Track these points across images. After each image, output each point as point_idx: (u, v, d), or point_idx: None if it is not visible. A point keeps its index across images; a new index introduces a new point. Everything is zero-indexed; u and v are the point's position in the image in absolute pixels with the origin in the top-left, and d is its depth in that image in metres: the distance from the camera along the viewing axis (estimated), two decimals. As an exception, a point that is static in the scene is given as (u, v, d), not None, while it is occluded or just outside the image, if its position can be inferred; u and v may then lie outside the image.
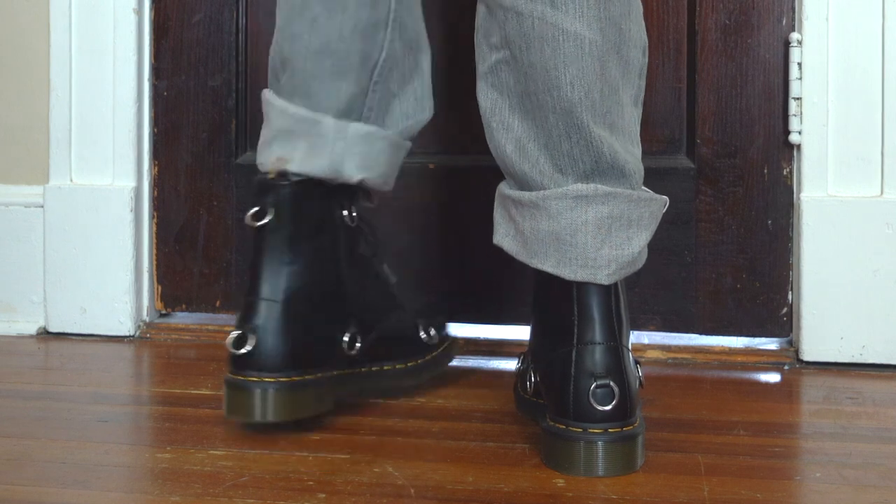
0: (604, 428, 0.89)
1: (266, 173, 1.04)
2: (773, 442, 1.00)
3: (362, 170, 1.06)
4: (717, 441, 1.00)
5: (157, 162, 1.50)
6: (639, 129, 0.98)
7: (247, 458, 0.94)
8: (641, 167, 0.97)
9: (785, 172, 1.35)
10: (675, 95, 1.39)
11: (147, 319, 1.49)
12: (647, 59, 0.98)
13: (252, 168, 1.48)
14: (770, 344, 1.37)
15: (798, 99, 1.33)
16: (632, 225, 0.94)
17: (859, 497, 0.85)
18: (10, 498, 0.84)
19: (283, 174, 1.04)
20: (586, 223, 0.93)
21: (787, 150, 1.36)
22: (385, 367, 1.13)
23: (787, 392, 1.21)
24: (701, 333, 1.38)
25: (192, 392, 1.17)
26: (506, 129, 0.97)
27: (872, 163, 1.32)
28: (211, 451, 0.96)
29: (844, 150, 1.32)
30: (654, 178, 1.37)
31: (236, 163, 1.48)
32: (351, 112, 1.07)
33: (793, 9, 1.35)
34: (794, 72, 1.33)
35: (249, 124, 1.49)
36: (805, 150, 1.33)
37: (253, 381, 0.99)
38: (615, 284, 0.93)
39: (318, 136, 1.04)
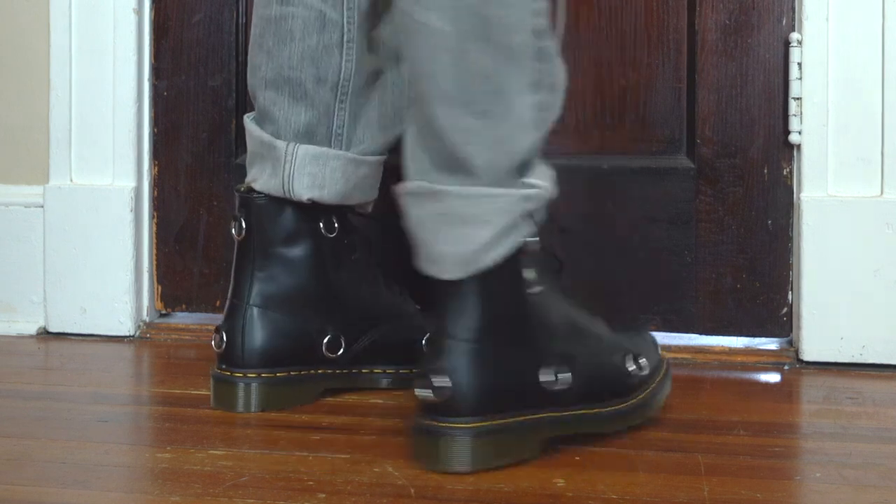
0: (432, 419, 0.90)
1: (240, 188, 1.14)
2: (773, 442, 1.00)
3: (312, 189, 1.11)
4: (717, 441, 1.00)
5: (157, 162, 1.50)
6: (545, 114, 0.95)
7: (247, 458, 0.94)
8: (519, 158, 0.94)
9: (785, 172, 1.35)
10: (675, 95, 1.39)
11: (147, 319, 1.49)
12: (547, 42, 0.94)
13: (252, 168, 1.48)
14: (770, 344, 1.37)
15: (798, 99, 1.33)
16: (467, 222, 0.92)
17: (859, 497, 0.85)
18: (10, 498, 0.84)
19: (252, 189, 1.13)
20: (423, 219, 0.93)
21: (787, 150, 1.36)
22: (376, 371, 1.17)
23: (787, 392, 1.21)
24: (701, 333, 1.38)
25: (192, 392, 1.17)
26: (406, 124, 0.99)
27: (872, 163, 1.31)
28: (211, 451, 0.96)
29: (844, 150, 1.32)
30: (654, 178, 1.37)
31: (236, 163, 1.48)
32: (314, 133, 1.13)
33: (793, 9, 1.35)
34: (794, 72, 1.33)
35: (249, 124, 1.49)
36: (805, 150, 1.33)
37: (234, 375, 1.10)
38: (479, 281, 0.92)
39: (276, 159, 1.12)
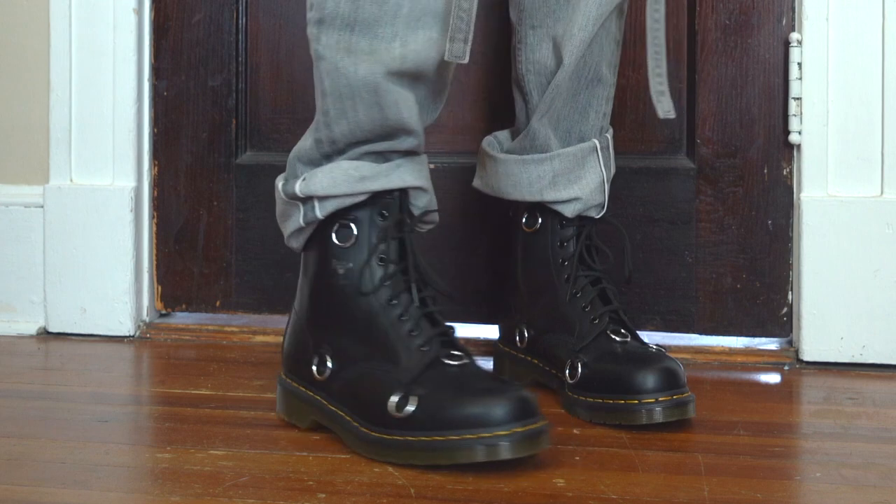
0: None
1: None
2: (773, 442, 1.00)
3: None
4: (717, 441, 1.00)
5: (157, 162, 1.50)
6: (323, 119, 1.02)
7: (247, 458, 0.94)
8: (291, 157, 1.06)
9: (785, 172, 1.35)
10: (675, 95, 1.38)
11: (147, 319, 1.49)
12: (317, 46, 1.02)
13: (252, 168, 1.48)
14: (770, 344, 1.37)
15: (798, 99, 1.33)
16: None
17: (859, 497, 0.85)
18: (10, 498, 0.84)
19: None
20: None
21: (787, 150, 1.36)
22: None
23: (787, 392, 1.21)
24: (701, 333, 1.38)
25: (192, 392, 1.17)
26: None
27: (872, 163, 1.31)
28: (211, 451, 0.96)
29: (844, 150, 1.32)
30: (655, 178, 1.37)
31: (236, 163, 1.48)
32: None
33: (793, 9, 1.35)
34: (794, 72, 1.33)
35: (249, 124, 1.49)
36: (805, 150, 1.33)
37: None
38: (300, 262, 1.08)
39: None
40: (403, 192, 1.01)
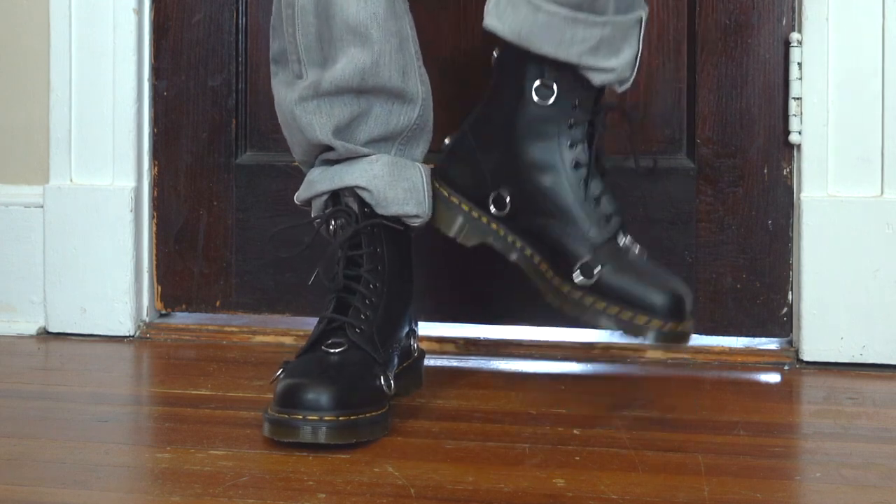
0: None
1: None
2: (773, 442, 1.00)
3: None
4: (717, 441, 1.00)
5: (157, 162, 1.50)
6: None
7: (247, 458, 0.94)
8: None
9: (785, 172, 1.35)
10: (675, 95, 1.39)
11: (147, 319, 1.49)
12: None
13: (252, 168, 1.48)
14: (770, 344, 1.37)
15: (798, 99, 1.33)
16: None
17: (859, 497, 0.85)
18: (10, 498, 0.84)
19: None
20: None
21: (787, 150, 1.35)
22: None
23: (787, 392, 1.21)
24: (701, 333, 1.38)
25: (192, 392, 1.17)
26: None
27: (872, 163, 1.31)
28: (211, 451, 0.96)
29: (844, 150, 1.32)
30: (655, 178, 1.37)
31: (236, 163, 1.48)
32: None
33: (793, 9, 1.35)
34: (794, 72, 1.33)
35: (249, 124, 1.49)
36: (805, 150, 1.33)
37: None
38: None
39: None
40: (347, 191, 1.11)
